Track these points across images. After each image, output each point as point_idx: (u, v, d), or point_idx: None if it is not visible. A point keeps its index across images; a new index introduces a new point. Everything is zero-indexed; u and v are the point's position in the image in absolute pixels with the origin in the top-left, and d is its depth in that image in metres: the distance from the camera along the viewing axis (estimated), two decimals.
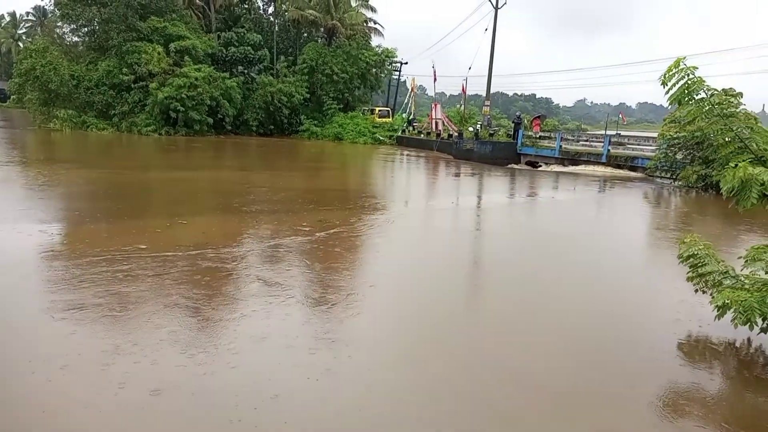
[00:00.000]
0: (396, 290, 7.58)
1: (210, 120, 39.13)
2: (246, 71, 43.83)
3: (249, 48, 42.91)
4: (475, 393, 4.77)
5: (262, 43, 44.41)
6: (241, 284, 7.23)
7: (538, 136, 30.32)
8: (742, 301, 5.01)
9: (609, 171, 25.56)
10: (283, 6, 47.98)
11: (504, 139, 33.33)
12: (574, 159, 27.54)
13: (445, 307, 6.96)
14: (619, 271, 9.31)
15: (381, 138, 41.85)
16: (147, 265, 7.67)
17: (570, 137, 31.48)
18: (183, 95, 37.02)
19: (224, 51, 42.48)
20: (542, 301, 7.35)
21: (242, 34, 43.20)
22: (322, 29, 48.85)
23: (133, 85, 38.31)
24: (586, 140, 30.72)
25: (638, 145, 26.44)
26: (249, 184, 17.21)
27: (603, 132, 38.04)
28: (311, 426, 4.09)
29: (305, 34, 51.15)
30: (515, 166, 29.08)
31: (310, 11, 45.74)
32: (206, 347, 5.21)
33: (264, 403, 4.34)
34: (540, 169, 28.38)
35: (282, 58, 46.49)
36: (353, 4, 49.64)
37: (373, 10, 50.34)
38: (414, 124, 44.93)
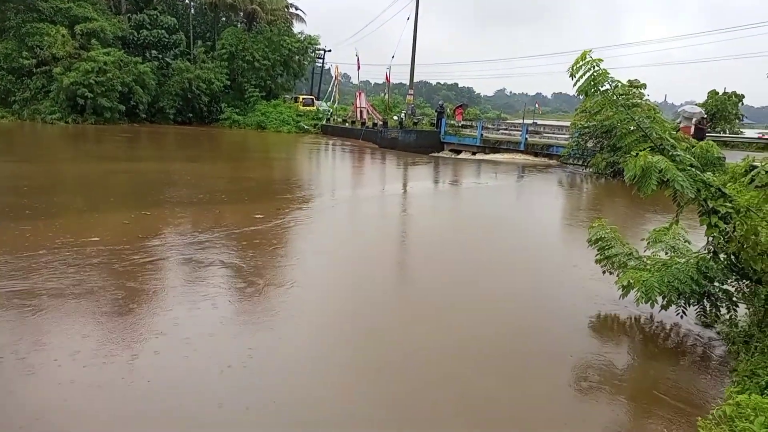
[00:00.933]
0: (325, 284, 7.54)
1: (122, 107, 37.02)
2: (160, 56, 41.67)
3: (163, 31, 40.84)
4: (399, 366, 4.85)
5: (177, 26, 42.37)
6: (160, 282, 6.93)
7: (460, 125, 31.02)
8: (643, 281, 5.38)
9: (527, 158, 26.62)
10: None
11: (428, 127, 33.82)
12: (495, 147, 28.44)
13: (374, 299, 7.00)
14: (538, 252, 9.75)
15: (306, 127, 41.28)
16: (68, 258, 7.17)
17: (490, 126, 32.46)
18: (91, 81, 34.74)
19: (135, 34, 40.19)
20: (469, 285, 7.57)
21: (155, 16, 41.02)
22: (241, 13, 47.22)
23: (35, 70, 35.50)
24: (506, 129, 31.82)
25: (553, 133, 27.73)
26: (168, 176, 16.47)
27: (521, 121, 39.52)
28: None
29: (224, 18, 49.25)
30: (439, 154, 29.63)
31: None
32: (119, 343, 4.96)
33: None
34: (462, 156, 29.09)
35: (199, 42, 44.62)
36: None
37: None
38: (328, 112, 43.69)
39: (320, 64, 55.13)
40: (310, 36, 48.07)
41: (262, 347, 5.25)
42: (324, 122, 42.04)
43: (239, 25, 47.39)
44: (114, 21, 39.03)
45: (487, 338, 5.88)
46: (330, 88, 48.29)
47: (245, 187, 15.09)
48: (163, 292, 6.58)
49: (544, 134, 28.12)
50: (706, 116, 26.43)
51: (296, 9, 50.00)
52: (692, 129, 21.64)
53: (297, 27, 49.36)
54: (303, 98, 46.88)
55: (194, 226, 9.91)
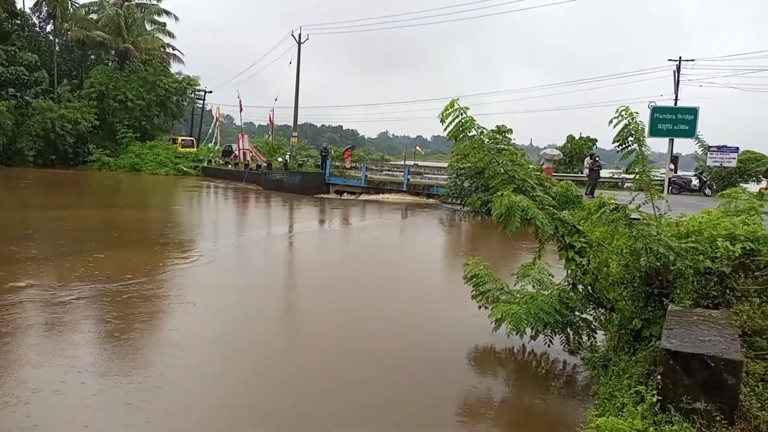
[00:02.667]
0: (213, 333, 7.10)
1: None
2: (19, 95, 38.08)
3: (22, 69, 37.48)
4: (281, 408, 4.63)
5: (39, 63, 39.12)
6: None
7: (350, 166, 31.51)
8: (513, 313, 5.69)
9: (410, 198, 27.57)
10: (65, 24, 42.85)
11: (313, 169, 33.94)
12: (379, 188, 29.15)
13: (261, 346, 6.70)
14: (421, 290, 9.99)
15: (185, 169, 39.57)
16: None
17: (374, 167, 33.31)
18: None
19: None
20: (353, 326, 7.51)
21: (13, 52, 37.58)
22: (113, 52, 44.79)
23: None
24: (389, 170, 32.81)
25: (433, 174, 29.03)
26: (25, 223, 14.81)
27: (403, 162, 41.02)
28: None
29: (93, 57, 46.42)
30: (325, 196, 29.74)
31: (98, 32, 41.57)
32: None
33: None
34: (348, 197, 29.43)
35: (65, 81, 41.46)
36: (149, 28, 46.56)
37: (171, 35, 47.81)
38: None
39: (201, 105, 53.59)
40: (188, 77, 46.66)
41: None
42: (205, 164, 40.60)
43: (111, 64, 44.86)
44: None
45: (368, 376, 5.86)
46: (211, 130, 46.94)
47: (113, 237, 13.98)
48: (18, 362, 5.80)
49: (425, 175, 29.37)
50: (563, 158, 29.20)
51: (173, 49, 48.50)
52: (552, 170, 23.86)
53: (175, 67, 47.80)
54: (182, 139, 45.08)
55: (55, 283, 8.94)
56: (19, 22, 40.69)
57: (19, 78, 37.50)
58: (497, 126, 28.49)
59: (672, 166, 19.28)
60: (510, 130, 28.96)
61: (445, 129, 6.04)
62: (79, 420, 4.58)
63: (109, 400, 4.94)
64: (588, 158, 25.84)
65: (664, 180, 12.38)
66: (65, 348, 6.14)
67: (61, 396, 4.98)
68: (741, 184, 24.15)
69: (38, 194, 24.66)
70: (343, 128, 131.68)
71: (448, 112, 5.94)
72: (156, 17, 47.13)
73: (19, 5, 41.75)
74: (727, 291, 4.90)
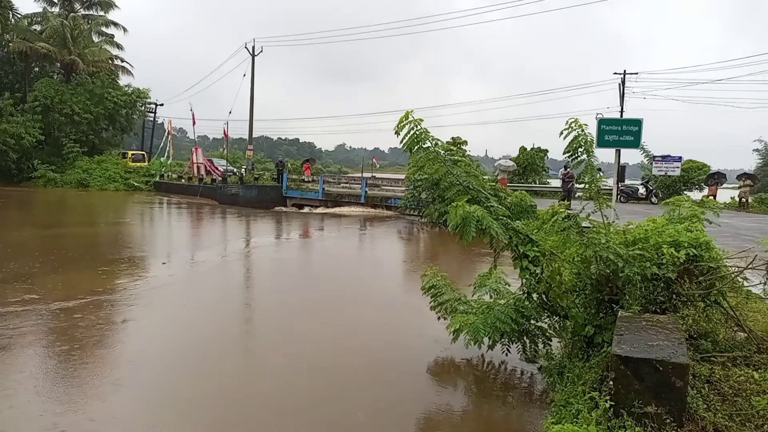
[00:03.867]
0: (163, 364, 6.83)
1: None
2: None
3: None
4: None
5: None
6: None
7: (310, 179, 31.28)
8: (470, 323, 5.72)
9: (368, 210, 27.54)
10: (6, 36, 41.05)
11: (269, 182, 33.54)
12: (337, 201, 29.03)
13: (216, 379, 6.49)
14: (381, 303, 9.94)
15: (136, 184, 38.43)
16: None
17: (332, 180, 33.19)
18: None
19: None
20: (313, 341, 7.40)
21: None
22: (58, 64, 43.22)
23: None
24: (347, 183, 32.75)
25: (391, 186, 29.14)
26: None
27: (361, 175, 41.04)
28: None
29: (36, 69, 44.63)
30: (282, 209, 29.40)
31: (42, 44, 40.01)
32: None
33: None
34: (306, 211, 29.18)
35: (7, 94, 39.60)
36: (95, 40, 45.16)
37: (119, 47, 46.47)
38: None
39: (152, 118, 52.23)
40: (138, 89, 45.45)
41: None
42: (157, 179, 39.53)
43: (56, 76, 43.26)
44: None
45: (326, 394, 5.76)
46: (163, 143, 45.78)
47: (60, 256, 13.39)
48: None
49: (383, 187, 29.45)
50: (517, 169, 29.85)
51: (122, 61, 47.17)
52: (507, 180, 24.36)
53: (124, 80, 46.40)
54: (133, 154, 43.81)
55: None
56: None
57: None
58: (452, 137, 28.93)
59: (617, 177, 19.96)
60: (465, 142, 29.46)
61: (401, 141, 6.06)
62: None
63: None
64: (562, 169, 26.65)
65: (612, 189, 12.81)
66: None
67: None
68: (685, 192, 25.33)
69: None
70: (300, 141, 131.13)
71: (402, 124, 5.96)
72: (104, 29, 45.79)
73: None
74: (673, 296, 5.07)
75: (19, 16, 43.28)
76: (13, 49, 40.28)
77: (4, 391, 5.43)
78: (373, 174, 39.12)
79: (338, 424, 5.18)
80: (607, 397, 3.81)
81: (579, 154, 5.84)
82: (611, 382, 3.86)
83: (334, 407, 5.51)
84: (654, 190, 26.30)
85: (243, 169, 36.47)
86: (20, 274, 10.67)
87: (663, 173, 25.23)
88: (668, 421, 3.63)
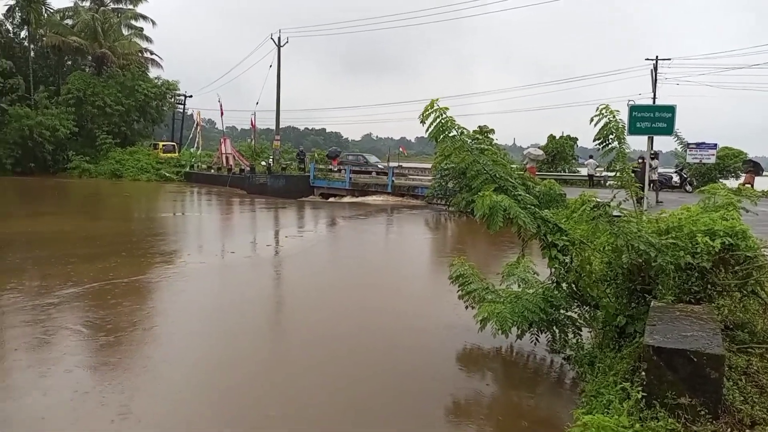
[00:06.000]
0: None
1: None
2: None
3: None
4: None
5: (14, 70, 38.50)
6: None
7: (338, 169, 31.52)
8: (497, 313, 5.69)
9: (394, 199, 27.52)
10: (40, 30, 42.12)
11: (297, 172, 33.80)
12: (364, 190, 29.08)
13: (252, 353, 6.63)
14: (407, 291, 10.00)
15: (167, 174, 39.15)
16: None
17: (358, 168, 33.25)
18: None
19: None
20: (343, 327, 7.47)
21: None
22: (89, 57, 44.16)
23: None
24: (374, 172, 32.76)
25: (417, 175, 29.06)
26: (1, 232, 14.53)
27: (387, 164, 40.99)
28: None
29: (69, 62, 45.69)
30: (309, 199, 29.60)
31: (74, 38, 40.97)
32: None
33: None
34: (333, 200, 29.33)
35: (42, 87, 40.70)
36: (125, 33, 45.99)
37: (148, 40, 47.29)
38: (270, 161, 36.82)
39: (181, 110, 53.04)
40: (168, 81, 46.20)
41: None
42: (187, 169, 40.21)
43: (87, 70, 44.23)
44: None
45: (362, 378, 5.84)
46: (192, 134, 46.49)
47: (100, 246, 13.75)
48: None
49: (410, 176, 29.38)
50: (546, 157, 29.45)
51: (152, 54, 47.98)
52: (535, 169, 23.99)
53: (154, 72, 47.25)
54: (163, 145, 44.60)
55: (46, 288, 8.77)
56: None
57: None
58: (479, 126, 28.58)
59: (652, 164, 19.18)
60: (492, 130, 29.09)
61: (426, 130, 6.02)
62: None
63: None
64: (589, 158, 26.26)
65: (646, 177, 12.54)
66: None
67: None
68: (720, 180, 24.61)
69: (19, 203, 24.21)
70: (327, 131, 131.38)
71: (428, 112, 5.92)
72: (133, 22, 46.64)
73: None
74: (708, 286, 4.95)
75: (51, 11, 44.30)
76: (46, 43, 41.43)
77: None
78: (400, 163, 39.01)
79: (367, 407, 5.24)
80: (639, 388, 3.76)
81: (610, 141, 5.73)
82: (643, 373, 3.80)
83: (363, 391, 5.58)
84: (688, 178, 25.63)
85: (270, 159, 36.76)
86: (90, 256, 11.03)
87: (697, 161, 24.54)
88: (703, 412, 3.56)
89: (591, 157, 28.59)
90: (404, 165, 37.10)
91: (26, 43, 43.57)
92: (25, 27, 42.75)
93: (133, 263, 11.22)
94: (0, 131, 36.64)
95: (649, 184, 19.13)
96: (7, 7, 42.29)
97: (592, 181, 27.28)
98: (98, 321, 7.45)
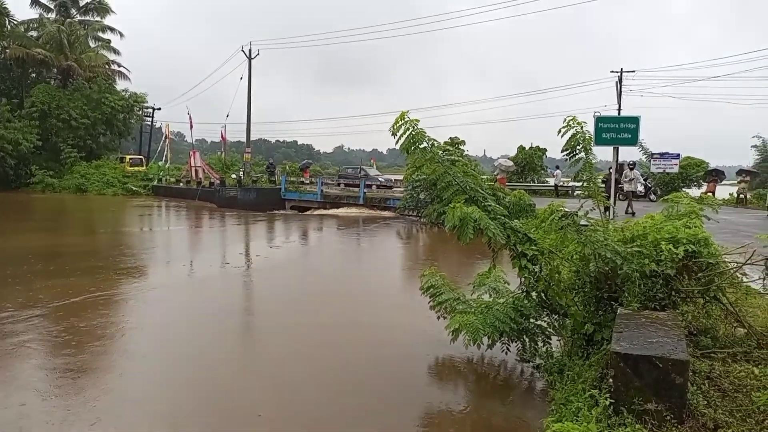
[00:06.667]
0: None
1: None
2: None
3: None
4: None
5: None
6: None
7: (309, 181, 31.35)
8: (469, 324, 5.71)
9: (366, 211, 27.52)
10: (3, 42, 41.03)
11: (267, 185, 33.54)
12: (335, 202, 29.01)
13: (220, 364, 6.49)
14: (382, 302, 9.97)
15: (134, 188, 38.37)
16: None
17: (330, 181, 33.20)
18: None
19: None
20: (316, 340, 7.39)
21: None
22: (55, 70, 43.16)
23: None
24: (345, 184, 32.76)
25: (389, 187, 29.19)
26: None
27: (359, 176, 41.01)
28: None
29: (33, 75, 44.56)
30: (281, 212, 29.35)
31: (38, 50, 40.02)
32: None
33: None
34: (305, 213, 29.14)
35: (4, 100, 39.59)
36: (92, 45, 45.16)
37: (116, 52, 46.50)
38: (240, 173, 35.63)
39: (149, 123, 52.15)
40: (135, 93, 45.42)
41: None
42: (155, 183, 39.49)
43: (53, 82, 43.23)
44: None
45: (330, 393, 5.75)
46: (160, 147, 45.75)
47: (61, 264, 13.36)
48: None
49: (332, 184, 29.49)
50: (515, 168, 29.89)
51: (119, 66, 47.14)
52: (505, 180, 24.35)
53: (121, 84, 46.39)
54: (131, 158, 43.70)
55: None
56: None
57: None
58: (450, 138, 28.90)
59: (630, 174, 19.60)
60: (463, 142, 29.44)
61: (397, 142, 6.05)
62: None
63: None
64: (556, 169, 26.81)
65: (612, 188, 12.82)
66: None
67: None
68: (683, 189, 25.34)
69: None
70: (299, 143, 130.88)
71: (398, 125, 5.95)
72: (100, 34, 45.88)
73: None
74: (673, 293, 5.07)
75: (15, 22, 43.20)
76: (9, 55, 40.42)
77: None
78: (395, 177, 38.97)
79: (338, 421, 5.18)
80: (607, 395, 3.81)
81: (577, 151, 5.84)
82: (611, 380, 3.85)
83: (334, 405, 5.51)
84: (652, 188, 26.30)
85: (241, 172, 36.40)
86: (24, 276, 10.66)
87: (661, 170, 25.26)
88: (668, 417, 3.62)
89: (557, 167, 29.41)
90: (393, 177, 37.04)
91: None
92: None
93: (100, 279, 10.93)
94: None
95: (623, 194, 19.31)
96: None
97: (557, 191, 27.85)
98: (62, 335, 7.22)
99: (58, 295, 9.40)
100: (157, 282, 11.20)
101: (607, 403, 3.76)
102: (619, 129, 12.01)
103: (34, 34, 43.30)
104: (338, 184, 30.72)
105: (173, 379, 6.28)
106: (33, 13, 44.53)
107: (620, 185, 24.32)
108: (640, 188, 20.41)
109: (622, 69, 35.63)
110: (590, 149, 5.87)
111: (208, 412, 5.37)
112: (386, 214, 26.70)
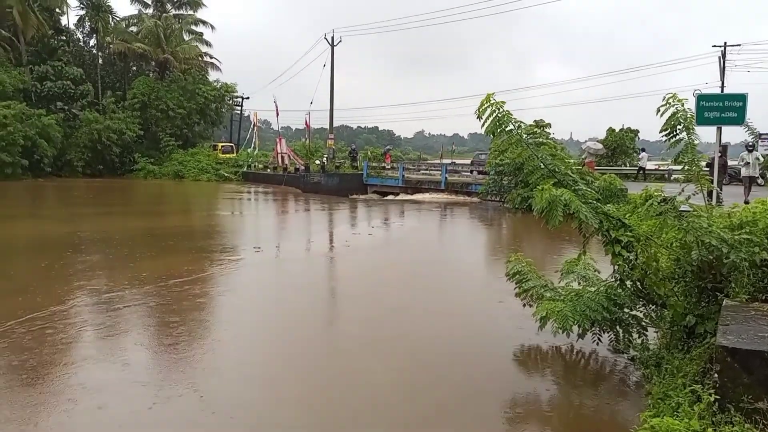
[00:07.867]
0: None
1: (25, 162, 34.70)
2: (66, 108, 39.87)
3: (68, 83, 39.10)
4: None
5: (84, 77, 40.78)
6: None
7: (390, 166, 31.70)
8: (558, 311, 5.53)
9: (448, 197, 27.33)
10: (107, 38, 44.53)
11: (350, 170, 34.16)
12: (417, 187, 29.05)
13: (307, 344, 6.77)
14: (466, 288, 9.93)
15: (226, 174, 40.43)
16: None
17: (411, 167, 33.25)
18: None
19: (39, 86, 38.22)
20: (400, 326, 7.50)
21: (60, 67, 39.25)
22: (153, 63, 46.27)
23: None
24: (426, 169, 32.68)
25: (470, 172, 28.72)
26: (74, 232, 15.41)
27: (440, 161, 40.81)
28: None
29: (134, 68, 48.02)
30: (363, 197, 29.84)
31: (138, 44, 43.00)
32: None
33: None
34: (387, 198, 29.45)
35: (109, 93, 43.02)
36: (186, 38, 47.83)
37: (208, 44, 49.03)
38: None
39: (238, 112, 54.65)
40: (226, 84, 47.74)
41: None
42: (245, 169, 41.42)
43: (151, 75, 46.31)
44: (14, 73, 37.00)
45: (415, 380, 5.81)
46: (249, 135, 47.84)
47: (166, 242, 14.38)
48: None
49: (463, 173, 29.11)
50: (605, 152, 28.47)
51: (211, 57, 49.68)
52: (594, 164, 23.23)
53: (213, 75, 49.00)
54: (222, 146, 46.05)
55: (114, 284, 9.27)
56: (64, 38, 42.33)
57: (66, 92, 39.21)
58: (535, 120, 28.01)
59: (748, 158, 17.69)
60: (549, 125, 28.46)
61: (482, 125, 5.93)
62: None
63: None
64: (642, 152, 25.47)
65: (716, 170, 11.89)
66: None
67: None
68: None
69: (87, 203, 25.62)
70: (379, 129, 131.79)
71: (484, 107, 5.83)
72: (193, 27, 48.45)
73: (63, 22, 43.72)
74: None
75: (117, 19, 46.71)
76: (113, 50, 43.88)
77: None
78: (453, 160, 38.72)
79: (425, 407, 5.22)
80: (712, 391, 3.58)
81: (678, 132, 5.47)
82: (716, 375, 3.61)
83: (419, 390, 5.56)
84: (761, 171, 24.12)
85: (325, 158, 37.33)
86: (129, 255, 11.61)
87: None
88: None
89: (643, 149, 27.99)
90: (458, 162, 36.68)
91: (95, 51, 46.26)
92: (94, 35, 45.43)
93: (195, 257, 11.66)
94: (72, 135, 38.86)
95: (739, 180, 17.41)
96: (77, 18, 45.05)
97: (644, 174, 26.36)
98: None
99: (164, 273, 10.13)
100: (251, 260, 11.80)
101: (712, 399, 3.53)
102: (723, 107, 11.06)
103: (134, 29, 46.56)
104: (471, 172, 28.47)
105: (264, 349, 6.61)
106: (133, 10, 47.90)
107: (731, 171, 22.00)
108: (758, 172, 17.85)
109: (725, 43, 32.87)
110: (692, 129, 5.48)
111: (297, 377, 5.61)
112: (468, 199, 26.38)
